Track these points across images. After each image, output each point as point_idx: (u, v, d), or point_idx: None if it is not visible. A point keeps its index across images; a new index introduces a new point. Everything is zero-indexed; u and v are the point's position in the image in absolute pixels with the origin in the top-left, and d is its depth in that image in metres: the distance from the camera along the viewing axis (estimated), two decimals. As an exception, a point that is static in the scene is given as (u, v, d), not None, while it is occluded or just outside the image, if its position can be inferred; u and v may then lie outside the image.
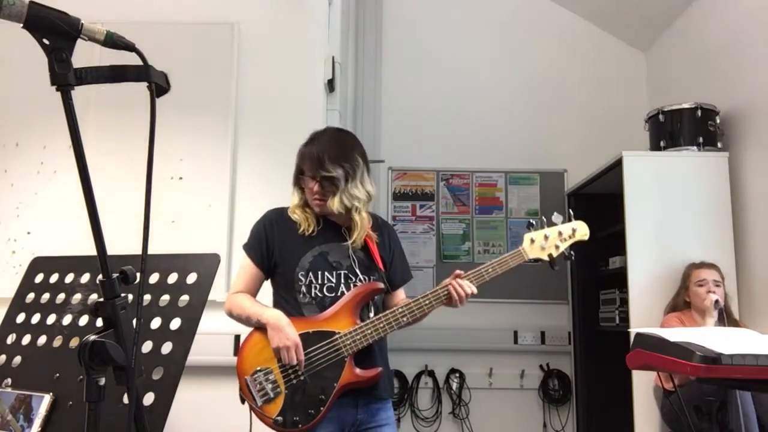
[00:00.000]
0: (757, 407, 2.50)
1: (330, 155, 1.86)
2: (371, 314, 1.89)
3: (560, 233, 1.96)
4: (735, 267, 3.26)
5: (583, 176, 4.06)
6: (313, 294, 1.87)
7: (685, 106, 3.44)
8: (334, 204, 1.87)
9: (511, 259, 1.91)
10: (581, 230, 1.99)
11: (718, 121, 3.43)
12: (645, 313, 3.20)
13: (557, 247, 1.96)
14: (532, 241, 1.93)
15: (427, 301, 1.85)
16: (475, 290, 1.85)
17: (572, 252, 1.98)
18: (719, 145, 3.41)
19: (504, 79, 4.62)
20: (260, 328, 1.83)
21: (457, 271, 1.87)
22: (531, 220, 1.97)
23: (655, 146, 3.55)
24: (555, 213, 1.96)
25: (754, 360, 1.53)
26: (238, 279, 1.95)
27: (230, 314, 1.91)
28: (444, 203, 4.54)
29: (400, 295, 2.06)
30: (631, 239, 3.31)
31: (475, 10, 4.70)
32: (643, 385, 3.15)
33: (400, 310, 1.84)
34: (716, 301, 2.82)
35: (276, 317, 1.80)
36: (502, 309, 4.29)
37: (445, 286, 1.86)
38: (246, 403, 1.80)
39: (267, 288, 1.99)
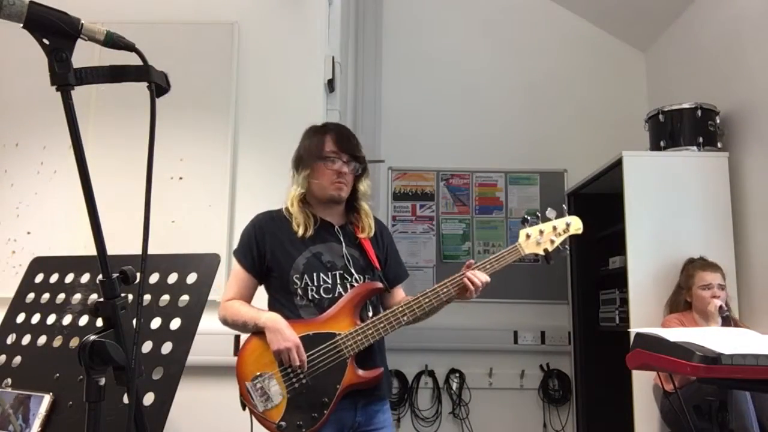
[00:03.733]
0: (757, 407, 2.50)
1: (356, 138, 1.97)
2: (370, 314, 1.87)
3: (555, 228, 1.97)
4: (735, 267, 3.26)
5: (583, 176, 4.06)
6: (310, 296, 1.85)
7: (685, 106, 3.44)
8: (363, 186, 1.95)
9: (509, 255, 1.90)
10: (575, 224, 2.01)
11: (718, 121, 3.43)
12: (645, 313, 3.20)
13: (552, 241, 1.96)
14: (528, 236, 1.94)
15: (426, 300, 1.83)
16: (488, 279, 1.84)
17: (567, 246, 1.99)
18: (719, 145, 3.41)
19: (504, 79, 4.62)
20: (258, 332, 1.81)
21: (470, 261, 1.87)
22: (526, 216, 1.97)
23: (655, 146, 3.55)
24: (549, 208, 1.97)
25: (754, 360, 1.54)
26: (231, 286, 1.93)
27: (225, 321, 1.89)
28: (444, 203, 4.54)
29: (400, 293, 2.05)
30: (631, 239, 3.31)
31: (475, 10, 4.70)
32: (643, 385, 3.15)
33: (400, 309, 1.82)
34: (721, 307, 2.81)
35: (273, 319, 1.79)
36: (502, 309, 4.29)
37: (457, 276, 1.84)
38: (247, 408, 1.79)
39: (261, 292, 1.98)
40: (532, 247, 1.94)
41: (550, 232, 1.96)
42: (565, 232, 1.98)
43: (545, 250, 1.95)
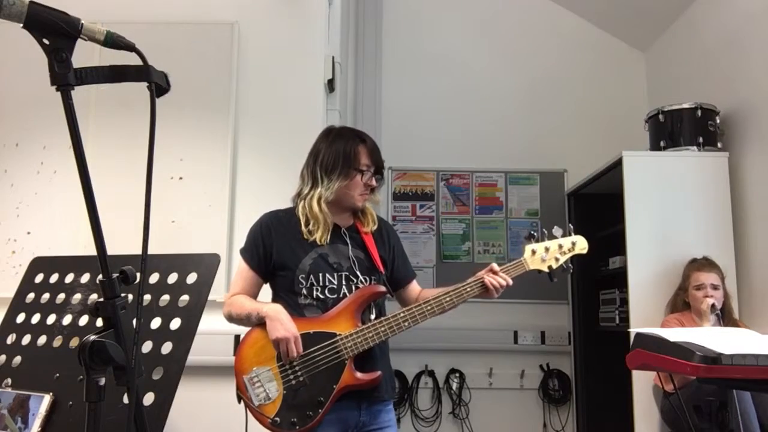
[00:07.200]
0: (757, 407, 2.50)
1: None
2: (372, 316, 1.89)
3: (560, 246, 1.99)
4: (735, 267, 3.26)
5: (583, 176, 4.06)
6: (314, 296, 1.86)
7: (685, 106, 3.44)
8: (376, 197, 2.01)
9: (513, 269, 1.93)
10: (580, 244, 2.03)
11: (718, 121, 3.43)
12: (645, 313, 3.20)
13: (557, 259, 1.98)
14: (534, 252, 1.95)
15: (428, 307, 1.85)
16: (510, 282, 1.88)
17: (571, 265, 2.01)
18: (719, 145, 3.41)
19: (504, 79, 4.62)
20: (259, 326, 1.82)
21: (493, 266, 1.89)
22: (532, 231, 1.98)
23: (655, 146, 3.55)
24: (555, 227, 1.99)
25: (754, 360, 1.53)
26: (236, 284, 1.94)
27: (230, 317, 1.90)
28: (444, 203, 4.54)
29: (416, 289, 2.07)
30: (631, 239, 3.31)
31: (475, 10, 4.70)
32: (643, 385, 3.15)
33: (402, 315, 1.84)
34: (713, 306, 2.81)
35: (275, 309, 1.80)
36: (502, 309, 4.29)
37: (476, 279, 1.87)
38: (242, 402, 1.79)
39: (266, 291, 1.98)
40: (536, 263, 1.95)
41: (556, 250, 1.98)
42: (570, 251, 2.00)
43: (549, 267, 1.97)
